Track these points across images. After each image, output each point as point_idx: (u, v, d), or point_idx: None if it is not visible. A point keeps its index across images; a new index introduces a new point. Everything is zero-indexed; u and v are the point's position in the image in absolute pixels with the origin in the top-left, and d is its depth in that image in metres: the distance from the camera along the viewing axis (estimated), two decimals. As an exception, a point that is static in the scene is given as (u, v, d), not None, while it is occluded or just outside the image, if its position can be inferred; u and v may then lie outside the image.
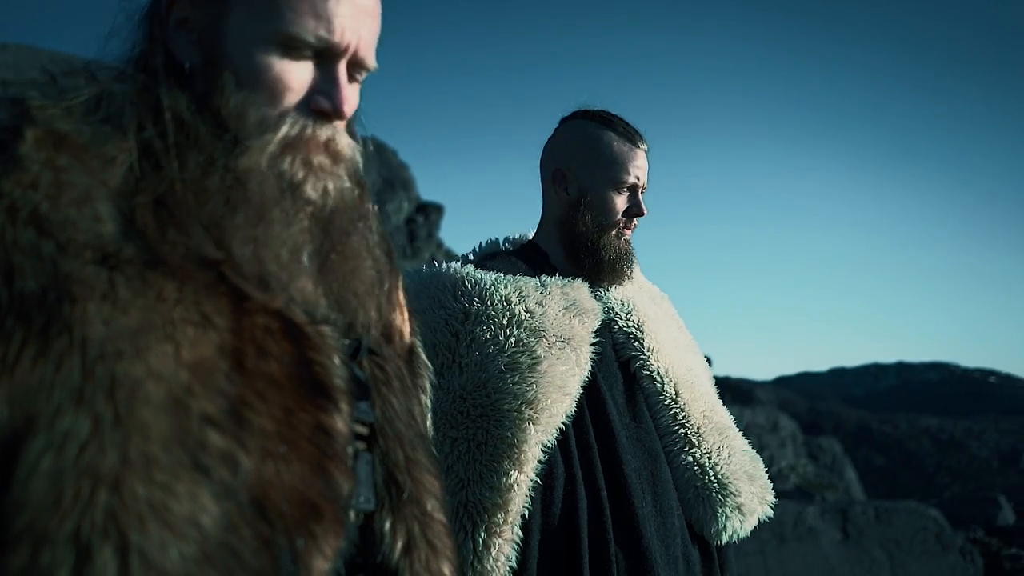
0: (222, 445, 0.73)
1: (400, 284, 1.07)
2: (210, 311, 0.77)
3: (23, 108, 0.81)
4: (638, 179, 1.72)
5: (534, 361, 1.49)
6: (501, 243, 1.84)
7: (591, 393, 1.59)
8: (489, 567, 1.39)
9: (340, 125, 0.93)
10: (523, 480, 1.44)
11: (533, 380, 1.48)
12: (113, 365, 0.70)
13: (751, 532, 1.70)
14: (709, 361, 1.98)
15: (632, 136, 1.73)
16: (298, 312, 0.83)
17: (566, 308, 1.59)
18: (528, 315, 1.54)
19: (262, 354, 0.79)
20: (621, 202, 1.72)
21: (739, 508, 1.65)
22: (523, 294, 1.57)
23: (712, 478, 1.64)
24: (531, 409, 1.46)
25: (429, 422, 1.09)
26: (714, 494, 1.63)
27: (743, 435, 1.80)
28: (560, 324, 1.56)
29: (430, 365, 1.10)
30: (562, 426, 1.51)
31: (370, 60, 0.93)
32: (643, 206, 1.74)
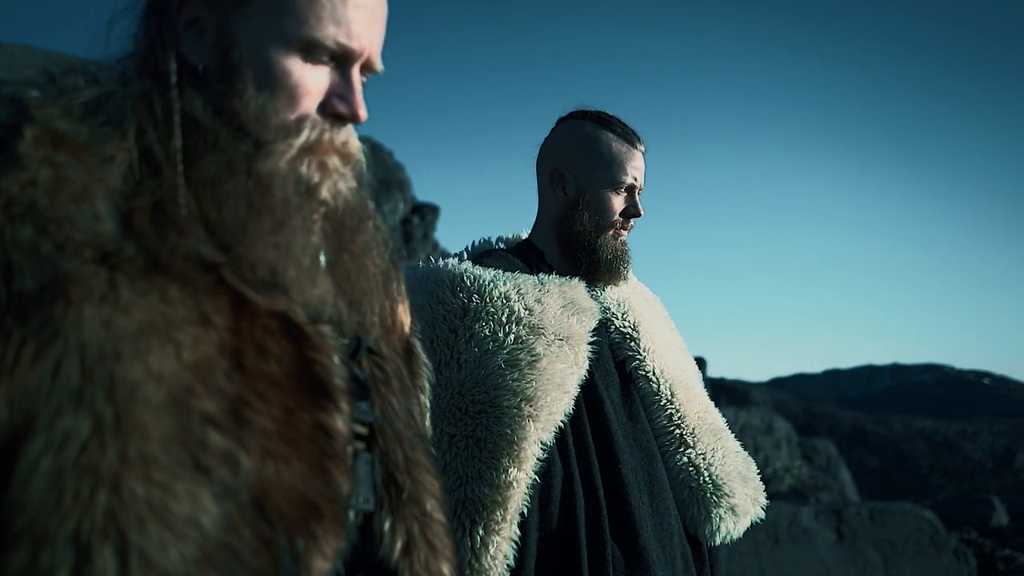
0: (222, 445, 0.72)
1: (402, 278, 1.07)
2: (210, 311, 0.77)
3: (22, 106, 0.80)
4: (636, 180, 1.73)
5: (534, 358, 1.49)
6: (494, 242, 1.84)
7: (588, 392, 1.59)
8: (487, 565, 1.39)
9: (351, 127, 0.93)
10: (522, 478, 1.44)
11: (533, 377, 1.47)
12: (113, 366, 0.70)
13: (745, 533, 1.71)
14: (704, 362, 1.98)
15: (630, 137, 1.74)
16: (299, 312, 0.83)
17: (564, 306, 1.59)
18: (527, 312, 1.54)
19: (262, 353, 0.79)
20: (619, 202, 1.73)
21: (733, 509, 1.65)
22: (522, 291, 1.57)
23: (707, 479, 1.65)
24: (531, 406, 1.46)
25: (428, 422, 1.09)
26: (708, 495, 1.64)
27: (738, 436, 1.81)
28: (559, 322, 1.56)
29: (429, 364, 1.10)
30: (560, 424, 1.51)
31: (378, 64, 0.94)
32: (640, 207, 1.75)
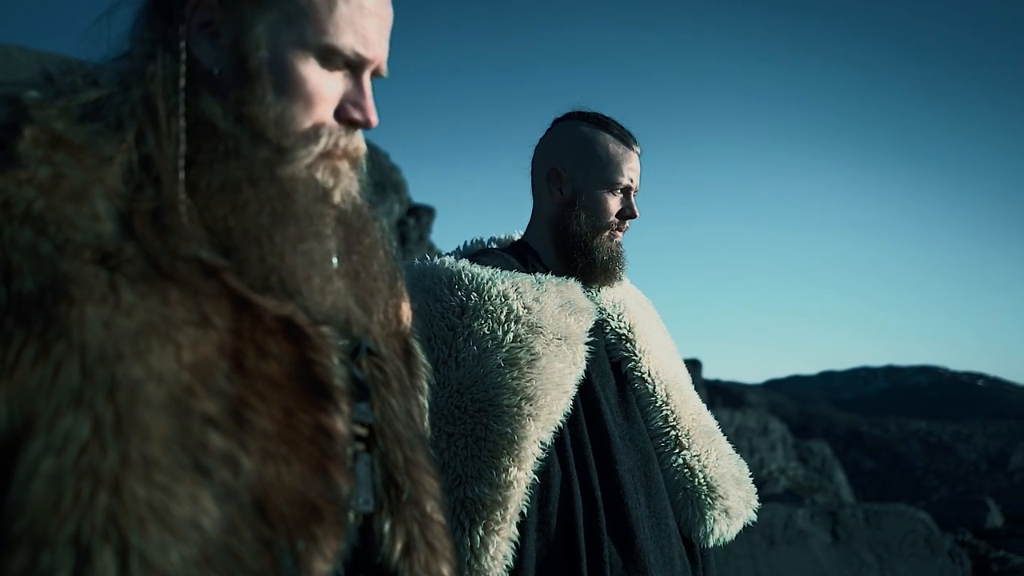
0: (223, 446, 0.72)
1: (402, 276, 1.08)
2: (210, 312, 0.77)
3: (21, 106, 0.80)
4: (632, 181, 1.74)
5: (533, 357, 1.49)
6: (486, 242, 1.84)
7: (585, 392, 1.59)
8: (487, 566, 1.38)
9: (360, 132, 0.94)
10: (522, 477, 1.43)
11: (532, 376, 1.47)
12: (113, 366, 0.69)
13: (740, 534, 1.71)
14: (700, 364, 1.99)
15: (626, 138, 1.74)
16: (299, 313, 0.83)
17: (562, 306, 1.59)
18: (526, 311, 1.54)
19: (262, 354, 0.78)
20: (615, 203, 1.73)
21: (727, 511, 1.66)
22: (520, 290, 1.56)
23: (702, 481, 1.65)
24: (531, 405, 1.45)
25: (427, 423, 1.09)
26: (703, 497, 1.64)
27: (733, 438, 1.81)
28: (557, 321, 1.56)
29: (428, 365, 1.10)
30: (559, 424, 1.51)
31: (385, 69, 0.95)
32: (636, 208, 1.75)
